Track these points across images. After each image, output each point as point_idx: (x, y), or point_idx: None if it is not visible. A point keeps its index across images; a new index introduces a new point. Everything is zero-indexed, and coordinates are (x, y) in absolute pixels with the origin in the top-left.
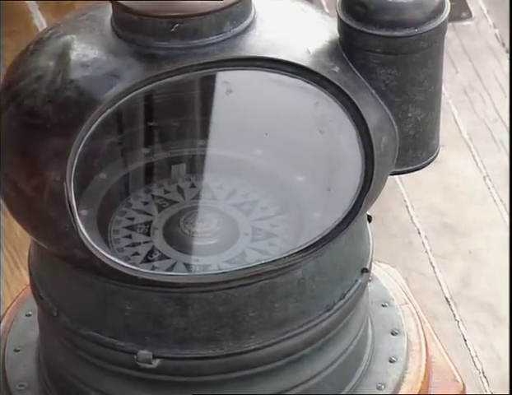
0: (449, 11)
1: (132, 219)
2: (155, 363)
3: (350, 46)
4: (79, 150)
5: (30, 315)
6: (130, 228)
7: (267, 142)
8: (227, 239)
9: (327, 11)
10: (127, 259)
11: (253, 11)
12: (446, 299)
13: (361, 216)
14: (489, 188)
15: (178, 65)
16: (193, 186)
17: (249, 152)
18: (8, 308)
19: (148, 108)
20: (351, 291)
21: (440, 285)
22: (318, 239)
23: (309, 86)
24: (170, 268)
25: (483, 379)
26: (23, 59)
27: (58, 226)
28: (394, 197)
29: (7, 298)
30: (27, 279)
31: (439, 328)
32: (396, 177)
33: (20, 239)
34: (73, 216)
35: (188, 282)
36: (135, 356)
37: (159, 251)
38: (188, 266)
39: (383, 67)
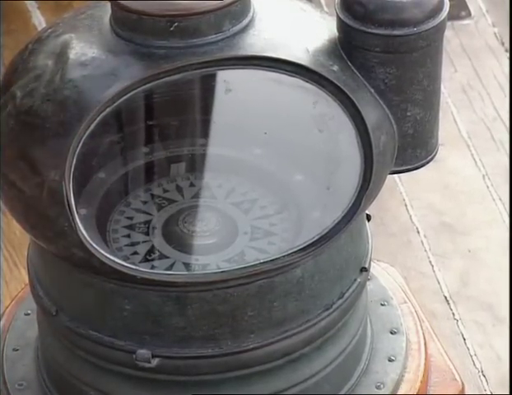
0: (448, 10)
1: (131, 218)
2: (154, 362)
3: (349, 45)
4: (78, 149)
5: (29, 314)
6: (129, 227)
7: (266, 141)
8: (226, 238)
9: (326, 10)
10: (126, 258)
11: (252, 10)
12: (445, 298)
13: (360, 215)
14: (488, 187)
15: (177, 64)
16: (192, 185)
17: (248, 151)
18: (7, 307)
19: (147, 107)
20: (350, 290)
21: (439, 284)
22: (317, 238)
23: (308, 85)
24: (169, 267)
25: (482, 378)
26: (22, 58)
27: (57, 225)
28: (393, 196)
29: (6, 297)
30: (26, 278)
31: (438, 327)
32: (395, 176)
33: (20, 238)
34: (72, 215)
35: (188, 281)
36: (134, 355)
37: (158, 250)
38: (187, 265)
39: (382, 66)
